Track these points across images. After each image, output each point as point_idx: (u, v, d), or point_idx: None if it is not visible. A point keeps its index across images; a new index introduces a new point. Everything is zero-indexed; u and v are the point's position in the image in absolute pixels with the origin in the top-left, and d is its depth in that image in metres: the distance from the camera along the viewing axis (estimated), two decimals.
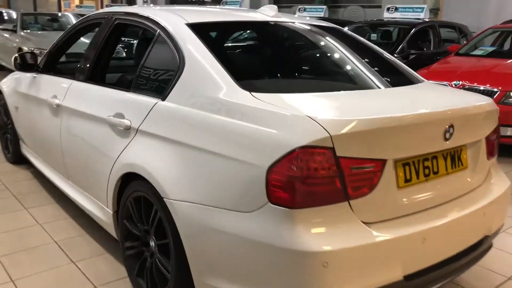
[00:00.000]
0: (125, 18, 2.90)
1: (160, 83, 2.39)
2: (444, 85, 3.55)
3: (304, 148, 1.69)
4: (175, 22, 2.48)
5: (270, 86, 2.21)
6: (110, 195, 2.57)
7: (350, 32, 3.01)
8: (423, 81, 2.66)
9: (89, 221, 3.12)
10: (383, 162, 1.83)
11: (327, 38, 2.68)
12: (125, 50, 8.05)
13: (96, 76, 3.00)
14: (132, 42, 9.92)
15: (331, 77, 2.42)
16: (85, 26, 3.42)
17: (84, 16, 3.41)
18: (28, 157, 4.09)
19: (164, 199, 2.10)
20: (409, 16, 8.79)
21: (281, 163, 1.72)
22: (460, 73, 5.65)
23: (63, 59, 4.00)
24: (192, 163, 2.01)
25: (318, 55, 2.55)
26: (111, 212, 2.63)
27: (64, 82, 3.21)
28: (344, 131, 1.72)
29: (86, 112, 2.78)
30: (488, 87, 5.23)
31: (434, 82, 3.02)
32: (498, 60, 5.98)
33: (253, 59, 2.46)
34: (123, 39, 7.93)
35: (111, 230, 2.71)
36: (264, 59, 2.48)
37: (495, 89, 5.16)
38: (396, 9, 9.06)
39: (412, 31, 7.89)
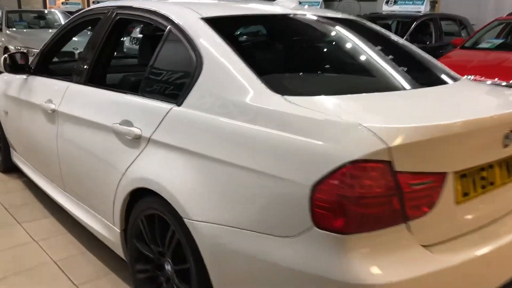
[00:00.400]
0: (128, 13, 2.61)
1: (174, 86, 2.11)
2: None
3: (357, 162, 1.44)
4: (189, 16, 2.20)
5: (302, 87, 1.94)
6: (117, 211, 2.30)
7: (377, 27, 2.75)
8: (460, 78, 2.42)
9: (91, 237, 2.84)
10: (443, 175, 1.59)
11: (356, 32, 2.42)
12: None
13: (96, 78, 2.71)
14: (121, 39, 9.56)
15: (366, 76, 2.16)
16: (81, 23, 3.12)
17: (80, 12, 3.11)
18: (20, 166, 3.79)
19: (184, 219, 1.83)
20: (409, 9, 8.56)
21: (329, 180, 1.46)
22: (471, 67, 5.43)
23: (56, 59, 3.69)
24: (217, 179, 1.75)
25: (348, 51, 2.29)
26: (118, 231, 2.35)
27: (60, 85, 2.91)
28: (403, 141, 1.47)
29: (87, 119, 2.49)
30: (501, 81, 5.01)
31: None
32: (508, 53, 5.77)
33: (278, 57, 2.19)
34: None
35: (119, 250, 2.43)
36: (290, 56, 2.22)
37: (510, 83, 4.95)
38: (395, 1, 8.83)
39: (413, 25, 7.67)
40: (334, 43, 2.34)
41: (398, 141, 1.46)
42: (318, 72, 2.13)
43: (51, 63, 3.55)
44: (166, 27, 2.24)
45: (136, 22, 2.63)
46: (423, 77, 2.30)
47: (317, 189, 1.48)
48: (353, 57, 2.25)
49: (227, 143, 1.74)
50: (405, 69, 2.25)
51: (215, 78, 1.91)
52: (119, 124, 2.24)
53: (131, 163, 2.15)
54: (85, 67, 2.74)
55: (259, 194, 1.62)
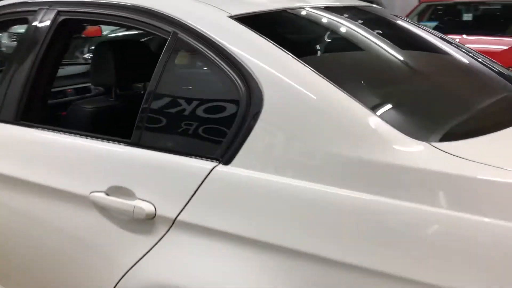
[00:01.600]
0: (81, 12, 1.69)
1: (208, 128, 1.31)
2: None
3: None
4: (211, 16, 1.40)
5: (442, 123, 1.25)
6: None
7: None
8: None
9: None
10: None
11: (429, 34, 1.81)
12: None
13: (35, 112, 1.76)
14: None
15: (489, 96, 1.53)
16: None
17: None
18: None
19: None
20: None
21: None
22: None
23: None
24: None
25: (448, 57, 1.67)
26: None
27: None
28: None
29: (34, 182, 1.56)
30: None
31: None
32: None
33: (371, 71, 1.44)
34: None
35: None
36: (386, 69, 1.49)
37: None
38: None
39: None
40: (424, 47, 1.69)
41: None
42: (432, 91, 1.44)
43: None
44: (167, 33, 1.41)
45: (94, 23, 1.73)
46: None
47: None
48: (458, 65, 1.62)
49: (352, 235, 1.02)
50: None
51: (294, 116, 1.16)
52: (106, 194, 1.38)
53: (138, 260, 1.32)
54: (12, 96, 1.77)
55: None
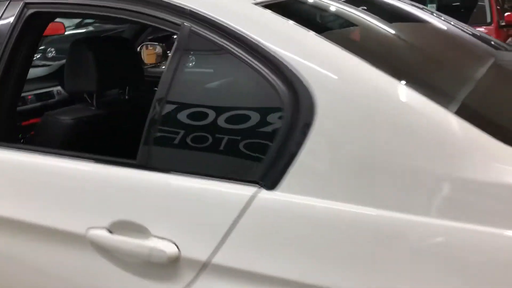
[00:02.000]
0: (56, 4, 1.38)
1: (240, 144, 1.04)
2: None
3: None
4: (231, 3, 1.13)
5: None
6: None
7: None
8: None
9: None
10: None
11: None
12: None
13: (2, 128, 1.43)
14: None
15: None
16: None
17: None
18: None
19: None
20: None
21: None
22: None
23: None
24: None
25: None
26: None
27: None
28: None
29: (17, 220, 1.24)
30: None
31: None
32: None
33: (444, 68, 1.21)
34: None
35: None
36: (460, 63, 1.27)
37: None
38: None
39: None
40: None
41: None
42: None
43: None
44: (177, 26, 1.13)
45: (72, 17, 1.40)
46: None
47: None
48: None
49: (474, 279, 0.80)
50: None
51: (362, 127, 0.92)
52: (108, 231, 1.09)
53: None
54: None
55: None
